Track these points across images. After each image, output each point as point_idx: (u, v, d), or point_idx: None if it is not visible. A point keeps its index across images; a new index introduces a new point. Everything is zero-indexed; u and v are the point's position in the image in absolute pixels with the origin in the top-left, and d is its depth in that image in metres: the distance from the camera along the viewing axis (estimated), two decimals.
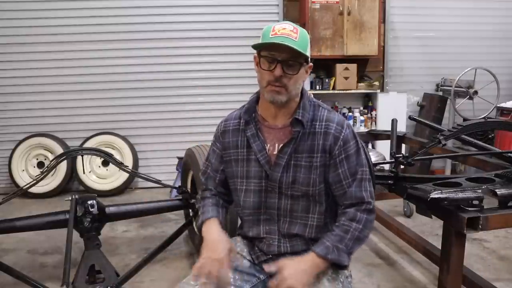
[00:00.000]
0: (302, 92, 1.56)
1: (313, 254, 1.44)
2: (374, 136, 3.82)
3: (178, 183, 3.49)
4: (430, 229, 3.49)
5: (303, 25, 4.66)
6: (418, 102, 5.13)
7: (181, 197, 3.04)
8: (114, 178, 4.70)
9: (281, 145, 1.52)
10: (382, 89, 5.06)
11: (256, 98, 1.60)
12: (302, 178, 1.51)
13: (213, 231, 1.54)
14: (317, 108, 1.56)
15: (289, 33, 1.42)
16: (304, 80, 1.53)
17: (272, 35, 1.43)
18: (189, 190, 3.09)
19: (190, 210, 3.07)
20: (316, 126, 1.51)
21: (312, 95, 1.62)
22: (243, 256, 1.64)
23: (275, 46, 1.41)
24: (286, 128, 1.53)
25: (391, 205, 4.00)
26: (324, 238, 1.48)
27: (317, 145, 1.50)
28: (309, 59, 1.50)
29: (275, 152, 1.54)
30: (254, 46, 1.47)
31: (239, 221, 1.75)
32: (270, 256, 1.60)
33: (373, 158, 2.95)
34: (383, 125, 4.71)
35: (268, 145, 1.55)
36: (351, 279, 1.59)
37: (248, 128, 1.57)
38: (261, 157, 1.54)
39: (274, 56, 1.43)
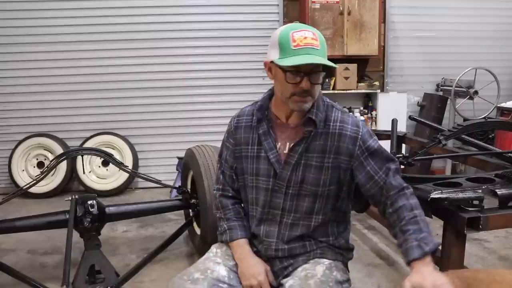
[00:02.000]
0: None
1: (416, 262, 1.33)
2: None
3: (178, 183, 3.49)
4: (430, 229, 3.48)
5: None
6: (418, 102, 5.13)
7: (181, 197, 3.04)
8: (114, 178, 4.70)
9: (292, 144, 1.52)
10: (382, 89, 5.06)
11: (269, 96, 1.59)
12: (312, 178, 1.51)
13: (246, 255, 1.58)
14: (330, 108, 1.54)
15: (312, 42, 1.38)
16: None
17: (294, 46, 1.37)
18: (189, 190, 3.09)
19: (190, 210, 3.07)
20: (330, 127, 1.50)
21: (324, 96, 1.60)
22: None
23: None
24: (298, 127, 1.52)
25: None
26: (407, 243, 1.37)
27: (330, 146, 1.49)
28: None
29: (286, 151, 1.53)
30: (284, 65, 1.38)
31: None
32: (266, 259, 1.60)
33: None
34: (383, 125, 4.71)
35: (279, 143, 1.55)
36: (347, 285, 1.56)
37: (260, 126, 1.57)
38: (271, 155, 1.54)
39: (300, 69, 1.39)
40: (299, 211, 1.55)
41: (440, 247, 1.41)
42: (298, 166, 1.51)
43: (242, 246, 1.60)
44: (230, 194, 1.69)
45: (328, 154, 1.49)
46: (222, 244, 1.66)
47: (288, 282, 1.49)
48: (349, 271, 1.66)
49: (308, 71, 1.40)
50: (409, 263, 1.35)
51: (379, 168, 1.49)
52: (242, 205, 1.70)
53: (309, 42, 1.38)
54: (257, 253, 1.62)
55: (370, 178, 1.50)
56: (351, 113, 1.61)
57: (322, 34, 1.47)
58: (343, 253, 1.62)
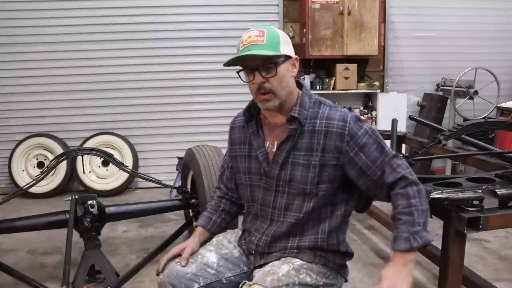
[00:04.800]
0: (302, 90, 1.55)
1: (399, 253, 1.39)
2: None
3: (178, 183, 3.49)
4: (430, 229, 3.45)
5: (303, 25, 4.66)
6: (418, 102, 5.13)
7: (181, 197, 3.03)
8: (114, 178, 4.70)
9: (279, 142, 1.53)
10: (382, 89, 5.06)
11: None
12: (300, 176, 1.50)
13: (191, 238, 1.67)
14: (318, 105, 1.53)
15: (255, 39, 1.43)
16: (293, 75, 1.52)
17: (241, 47, 1.45)
18: (189, 190, 3.09)
19: (190, 210, 3.07)
20: (317, 124, 1.49)
21: (313, 94, 1.59)
22: (234, 246, 1.67)
23: (247, 58, 1.43)
24: (285, 126, 1.53)
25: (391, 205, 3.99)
26: (398, 232, 1.41)
27: (316, 143, 1.48)
28: (291, 52, 1.50)
29: (274, 150, 1.55)
30: (225, 65, 1.48)
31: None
32: (253, 252, 1.62)
33: None
34: (383, 125, 4.71)
35: (268, 142, 1.57)
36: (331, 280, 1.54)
37: (249, 125, 1.61)
38: (259, 154, 1.57)
39: (249, 67, 1.46)
40: (289, 209, 1.54)
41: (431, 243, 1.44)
42: (286, 164, 1.52)
43: (196, 231, 1.70)
44: (221, 191, 1.79)
45: (315, 152, 1.48)
46: (219, 234, 1.73)
47: (255, 275, 1.51)
48: (342, 276, 1.61)
49: (256, 66, 1.44)
50: (393, 251, 1.41)
51: (372, 162, 1.47)
52: (232, 200, 1.77)
53: (252, 40, 1.43)
54: (245, 245, 1.65)
55: (363, 173, 1.48)
56: (342, 108, 1.56)
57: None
58: (327, 256, 1.55)
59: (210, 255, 1.60)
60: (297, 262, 1.51)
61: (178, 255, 1.60)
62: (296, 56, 1.53)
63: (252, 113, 1.61)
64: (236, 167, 1.68)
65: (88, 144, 4.66)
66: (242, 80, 1.52)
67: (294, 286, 1.44)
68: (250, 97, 1.62)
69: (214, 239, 1.70)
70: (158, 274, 1.59)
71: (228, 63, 1.48)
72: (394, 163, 1.48)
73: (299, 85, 1.58)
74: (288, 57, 1.48)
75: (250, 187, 1.63)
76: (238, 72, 1.52)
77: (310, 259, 1.53)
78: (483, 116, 4.03)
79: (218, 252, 1.62)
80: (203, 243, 1.68)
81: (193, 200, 2.93)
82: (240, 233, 1.72)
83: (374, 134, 1.50)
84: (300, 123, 1.49)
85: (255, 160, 1.59)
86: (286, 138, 1.51)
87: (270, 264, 1.52)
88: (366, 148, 1.47)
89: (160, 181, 3.34)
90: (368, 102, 5.07)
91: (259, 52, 1.40)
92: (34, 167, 4.71)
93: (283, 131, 1.53)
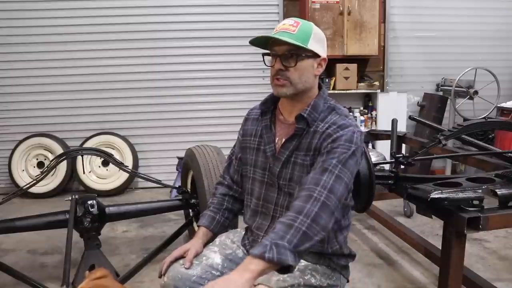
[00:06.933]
0: (320, 92, 1.55)
1: (249, 257, 1.24)
2: (374, 136, 3.82)
3: (178, 183, 3.49)
4: (430, 229, 3.49)
5: None
6: (418, 102, 5.13)
7: (181, 197, 3.03)
8: (114, 178, 4.70)
9: (285, 140, 1.53)
10: (382, 89, 5.06)
11: None
12: (297, 176, 1.50)
13: (194, 239, 1.63)
14: (330, 111, 1.52)
15: (288, 27, 1.46)
16: (316, 75, 1.52)
17: (274, 32, 1.47)
18: (189, 190, 3.09)
19: (190, 210, 3.07)
20: (320, 126, 1.49)
21: (330, 99, 1.58)
22: (238, 245, 1.66)
23: (274, 42, 1.47)
24: (294, 124, 1.53)
25: (391, 205, 3.99)
26: (264, 238, 1.29)
27: (314, 144, 1.48)
28: (320, 52, 1.50)
29: (280, 147, 1.55)
30: (251, 42, 1.52)
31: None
32: None
33: (373, 158, 2.95)
34: (383, 125, 4.71)
35: (277, 138, 1.58)
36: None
37: (264, 119, 1.62)
38: (268, 149, 1.57)
39: (275, 52, 1.48)
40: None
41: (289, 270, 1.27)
42: (288, 163, 1.52)
43: (199, 232, 1.67)
44: (226, 182, 1.76)
45: (311, 152, 1.48)
46: (222, 234, 1.71)
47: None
48: (344, 278, 1.61)
49: (279, 52, 1.47)
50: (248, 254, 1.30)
51: (320, 164, 1.40)
52: (235, 197, 1.74)
53: (284, 27, 1.47)
54: (249, 244, 1.63)
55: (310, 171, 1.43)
56: (352, 120, 1.51)
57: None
58: (331, 258, 1.56)
59: (214, 257, 1.58)
60: (302, 263, 1.51)
61: (182, 256, 1.57)
62: (325, 57, 1.53)
63: (268, 107, 1.62)
64: (244, 158, 1.67)
65: (88, 144, 4.66)
66: (265, 64, 1.55)
67: (300, 287, 1.44)
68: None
69: (217, 239, 1.68)
70: (160, 276, 1.57)
71: (254, 42, 1.50)
72: (327, 179, 1.36)
73: (319, 87, 1.58)
74: (315, 55, 1.49)
75: (252, 181, 1.63)
76: (263, 55, 1.55)
77: (315, 260, 1.54)
78: (483, 116, 4.02)
79: (222, 253, 1.61)
80: (206, 243, 1.66)
81: (193, 200, 2.93)
82: (243, 232, 1.71)
83: (352, 156, 1.41)
84: (308, 124, 1.49)
85: (262, 154, 1.59)
86: (291, 136, 1.51)
87: None
88: (333, 155, 1.40)
89: (160, 181, 3.34)
90: (368, 102, 5.07)
91: (283, 38, 1.42)
92: (34, 167, 4.71)
93: (291, 130, 1.53)
